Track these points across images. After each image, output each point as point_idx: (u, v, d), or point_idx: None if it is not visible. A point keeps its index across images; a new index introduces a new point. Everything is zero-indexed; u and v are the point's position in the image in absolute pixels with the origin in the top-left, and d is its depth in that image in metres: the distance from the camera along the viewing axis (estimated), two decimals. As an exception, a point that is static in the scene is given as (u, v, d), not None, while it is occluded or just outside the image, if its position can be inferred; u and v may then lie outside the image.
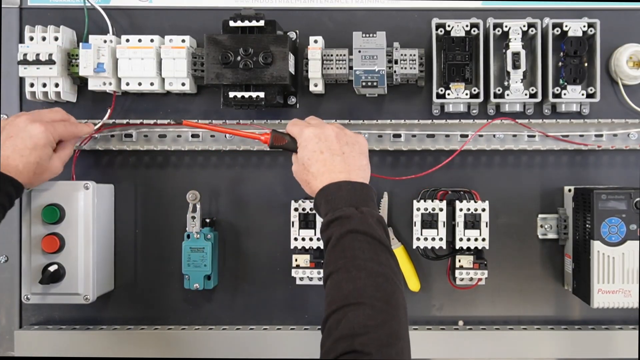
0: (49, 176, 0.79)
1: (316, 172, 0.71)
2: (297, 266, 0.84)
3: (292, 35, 0.87)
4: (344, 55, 0.83)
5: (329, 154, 0.72)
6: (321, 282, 0.85)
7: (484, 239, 0.83)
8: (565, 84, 0.82)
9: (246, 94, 0.80)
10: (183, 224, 0.86)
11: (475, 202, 0.84)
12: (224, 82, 0.80)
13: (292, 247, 0.84)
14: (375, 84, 0.81)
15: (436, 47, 0.83)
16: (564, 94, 0.82)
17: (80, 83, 0.88)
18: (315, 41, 0.84)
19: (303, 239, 0.84)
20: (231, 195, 0.90)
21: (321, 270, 0.84)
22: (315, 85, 0.86)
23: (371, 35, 0.81)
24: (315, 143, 0.72)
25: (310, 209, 0.84)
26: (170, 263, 0.89)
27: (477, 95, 0.82)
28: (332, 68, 0.84)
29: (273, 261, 0.89)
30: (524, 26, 0.82)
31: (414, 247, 0.84)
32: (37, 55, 0.82)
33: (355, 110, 0.89)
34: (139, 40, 0.83)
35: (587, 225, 0.80)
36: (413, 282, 0.88)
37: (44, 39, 0.84)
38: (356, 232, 0.64)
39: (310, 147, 0.72)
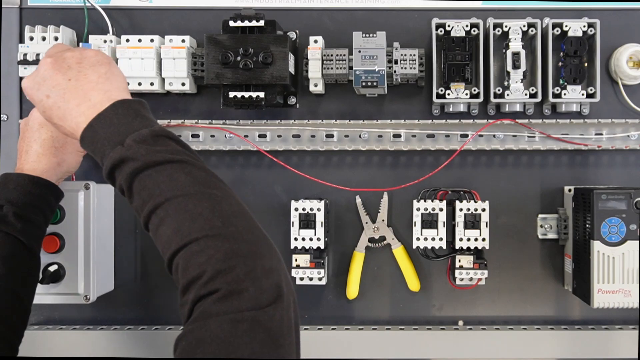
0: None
1: (59, 119, 0.60)
2: (297, 266, 0.84)
3: (292, 35, 0.87)
4: (344, 55, 0.83)
5: (56, 93, 0.60)
6: (321, 282, 0.85)
7: (484, 239, 0.83)
8: (565, 84, 0.82)
9: (246, 94, 0.80)
10: (183, 224, 0.86)
11: (475, 202, 0.84)
12: (224, 82, 0.80)
13: (292, 247, 0.84)
14: (375, 84, 0.81)
15: (436, 47, 0.83)
16: (564, 94, 0.82)
17: (80, 83, 0.88)
18: (315, 41, 0.84)
19: (303, 239, 0.84)
20: (231, 195, 0.90)
21: (321, 270, 0.84)
22: (315, 85, 0.86)
23: (371, 35, 0.81)
24: (36, 91, 0.61)
25: (310, 209, 0.84)
26: (170, 263, 0.89)
27: (477, 95, 0.82)
28: (332, 68, 0.84)
29: (273, 261, 0.89)
30: (524, 26, 0.82)
31: (414, 247, 0.84)
32: (37, 55, 0.82)
33: (355, 110, 0.89)
34: (139, 40, 0.83)
35: (587, 225, 0.80)
36: (413, 282, 0.88)
37: (44, 39, 0.84)
38: (137, 173, 0.54)
39: (35, 98, 0.61)
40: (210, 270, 0.48)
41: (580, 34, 0.82)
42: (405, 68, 0.83)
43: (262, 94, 0.80)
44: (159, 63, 0.83)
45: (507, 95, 0.82)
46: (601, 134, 0.86)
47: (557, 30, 0.83)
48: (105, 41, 0.83)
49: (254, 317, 0.46)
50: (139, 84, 0.84)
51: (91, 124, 0.57)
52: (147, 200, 0.53)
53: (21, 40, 0.87)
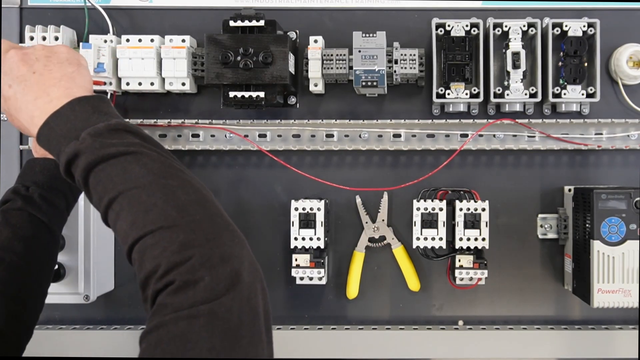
0: None
1: (15, 111, 0.59)
2: (297, 266, 0.84)
3: (292, 35, 0.87)
4: (344, 55, 0.83)
5: (18, 84, 0.58)
6: (321, 282, 0.85)
7: (484, 239, 0.83)
8: (565, 83, 0.82)
9: (246, 94, 0.80)
10: (183, 223, 0.86)
11: (475, 202, 0.84)
12: (224, 82, 0.80)
13: (292, 247, 0.84)
14: (375, 84, 0.81)
15: (436, 47, 0.83)
16: (564, 94, 0.82)
17: (81, 83, 0.88)
18: (315, 41, 0.84)
19: (303, 239, 0.84)
20: (231, 195, 0.90)
21: (321, 270, 0.84)
22: (315, 85, 0.86)
23: (371, 35, 0.81)
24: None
25: (310, 209, 0.84)
26: (170, 263, 0.89)
27: (477, 95, 0.82)
28: (332, 68, 0.84)
29: (273, 261, 0.89)
30: (524, 26, 0.82)
31: (414, 247, 0.84)
32: (37, 55, 0.82)
33: (355, 110, 0.89)
34: (139, 40, 0.83)
35: (587, 225, 0.80)
36: (413, 282, 0.88)
37: (44, 38, 0.84)
38: (91, 167, 0.52)
39: None
40: (165, 263, 0.46)
41: (580, 34, 0.82)
42: (405, 68, 0.83)
43: (262, 94, 0.80)
44: (159, 63, 0.83)
45: (507, 95, 0.82)
46: (601, 134, 0.86)
47: (557, 30, 0.83)
48: (105, 41, 0.83)
49: (210, 310, 0.44)
50: (139, 83, 0.84)
51: (47, 122, 0.55)
52: (103, 195, 0.51)
53: (21, 40, 0.87)
